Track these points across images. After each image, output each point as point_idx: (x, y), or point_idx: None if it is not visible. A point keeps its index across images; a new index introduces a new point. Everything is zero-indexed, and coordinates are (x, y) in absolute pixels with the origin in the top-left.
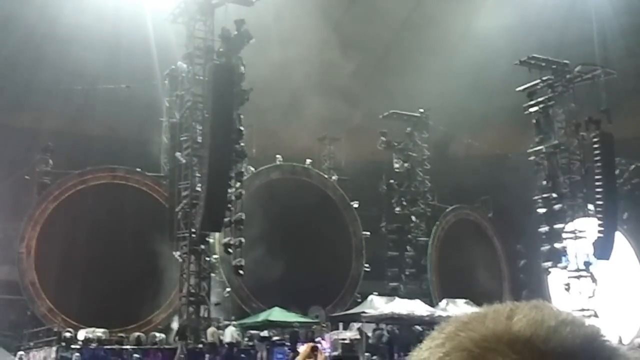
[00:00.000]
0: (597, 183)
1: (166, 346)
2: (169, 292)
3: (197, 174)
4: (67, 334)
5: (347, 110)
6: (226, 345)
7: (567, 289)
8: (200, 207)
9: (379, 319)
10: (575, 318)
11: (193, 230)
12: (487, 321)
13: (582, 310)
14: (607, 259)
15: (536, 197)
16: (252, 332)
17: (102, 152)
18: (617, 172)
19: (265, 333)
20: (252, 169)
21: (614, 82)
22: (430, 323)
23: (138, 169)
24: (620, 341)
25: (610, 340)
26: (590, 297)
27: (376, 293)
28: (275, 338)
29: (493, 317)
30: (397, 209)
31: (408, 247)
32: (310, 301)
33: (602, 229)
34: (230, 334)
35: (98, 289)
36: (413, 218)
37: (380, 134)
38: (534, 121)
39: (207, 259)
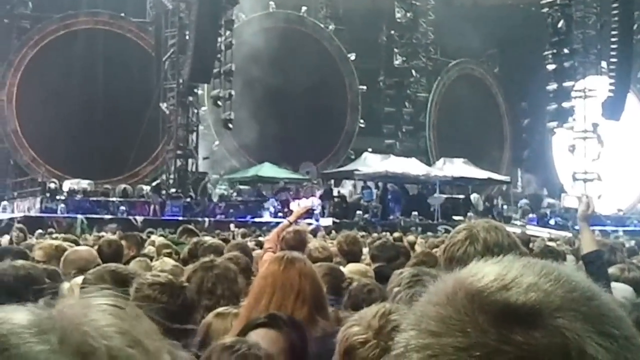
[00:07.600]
0: (612, 39)
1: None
2: (156, 145)
3: (185, 21)
4: (52, 185)
5: None
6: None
7: (572, 151)
8: (188, 57)
9: (372, 177)
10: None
11: (181, 81)
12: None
13: (586, 173)
14: (617, 119)
15: (546, 53)
16: (242, 187)
17: None
18: (635, 27)
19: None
20: (244, 16)
21: None
22: (425, 182)
23: (122, 14)
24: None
25: None
26: (594, 159)
27: (371, 150)
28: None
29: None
30: (397, 62)
31: (406, 103)
32: (302, 157)
33: (613, 88)
34: None
35: (82, 139)
36: (413, 72)
37: None
38: None
39: (195, 111)
